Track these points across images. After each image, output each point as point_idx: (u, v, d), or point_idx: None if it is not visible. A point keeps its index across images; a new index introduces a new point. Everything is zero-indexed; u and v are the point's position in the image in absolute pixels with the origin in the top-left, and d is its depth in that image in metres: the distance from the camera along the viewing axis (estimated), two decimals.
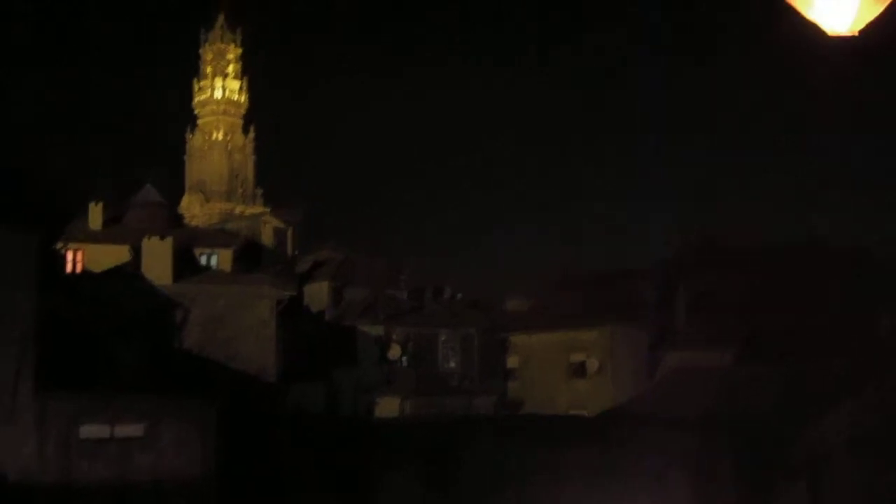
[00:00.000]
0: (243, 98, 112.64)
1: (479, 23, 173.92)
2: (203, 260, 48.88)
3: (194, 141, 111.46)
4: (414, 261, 72.01)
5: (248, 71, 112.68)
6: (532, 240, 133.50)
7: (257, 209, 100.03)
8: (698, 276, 54.48)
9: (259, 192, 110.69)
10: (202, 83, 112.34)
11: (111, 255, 46.04)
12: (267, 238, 59.88)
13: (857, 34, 11.04)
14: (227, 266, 49.24)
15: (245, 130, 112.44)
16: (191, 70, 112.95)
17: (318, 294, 55.68)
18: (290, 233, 62.42)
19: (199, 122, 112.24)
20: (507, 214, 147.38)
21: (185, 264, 45.20)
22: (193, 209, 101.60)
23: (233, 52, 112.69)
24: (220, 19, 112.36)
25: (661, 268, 57.30)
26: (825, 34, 11.07)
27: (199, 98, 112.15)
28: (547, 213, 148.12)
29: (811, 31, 11.09)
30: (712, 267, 54.64)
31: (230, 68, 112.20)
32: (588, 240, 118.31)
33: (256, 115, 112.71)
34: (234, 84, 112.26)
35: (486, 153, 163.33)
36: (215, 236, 56.03)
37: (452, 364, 55.91)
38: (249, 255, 52.92)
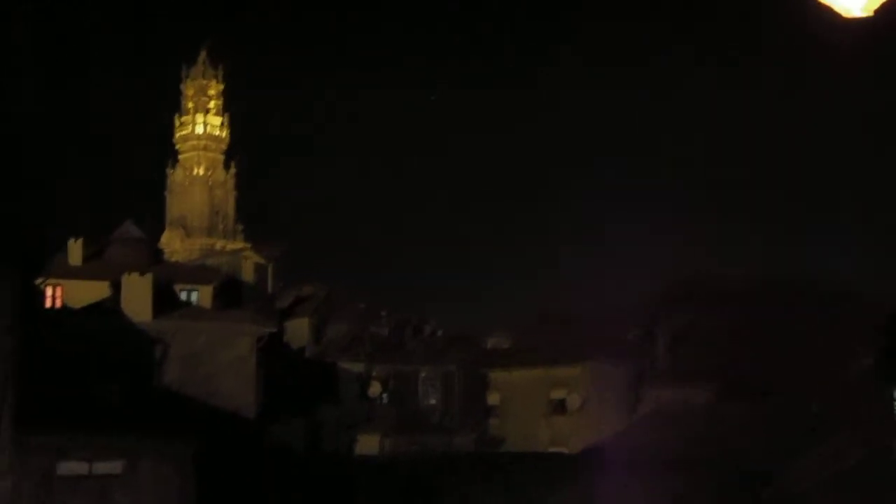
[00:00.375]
0: (225, 133, 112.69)
1: (458, 53, 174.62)
2: (183, 296, 48.69)
3: (175, 176, 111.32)
4: (395, 297, 71.96)
5: (230, 106, 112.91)
6: (513, 276, 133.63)
7: (238, 245, 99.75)
8: (678, 313, 54.66)
9: (240, 227, 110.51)
10: (183, 119, 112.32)
11: (91, 292, 45.84)
12: (248, 274, 59.69)
13: (873, 14, 10.46)
14: (207, 302, 49.07)
15: (226, 166, 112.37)
16: (172, 106, 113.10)
17: (298, 331, 55.52)
18: (270, 269, 62.25)
19: (181, 157, 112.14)
20: (488, 251, 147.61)
21: (165, 300, 45.03)
22: (174, 245, 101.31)
23: (214, 88, 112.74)
24: (203, 55, 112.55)
25: (641, 305, 57.43)
26: (839, 19, 10.40)
27: (180, 133, 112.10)
28: (528, 250, 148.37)
29: (825, 18, 10.54)
30: (692, 304, 54.84)
31: (212, 104, 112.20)
32: (569, 277, 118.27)
33: (238, 150, 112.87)
34: (216, 120, 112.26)
35: (468, 189, 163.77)
36: (196, 272, 55.86)
37: (433, 401, 55.81)
38: (230, 291, 52.75)
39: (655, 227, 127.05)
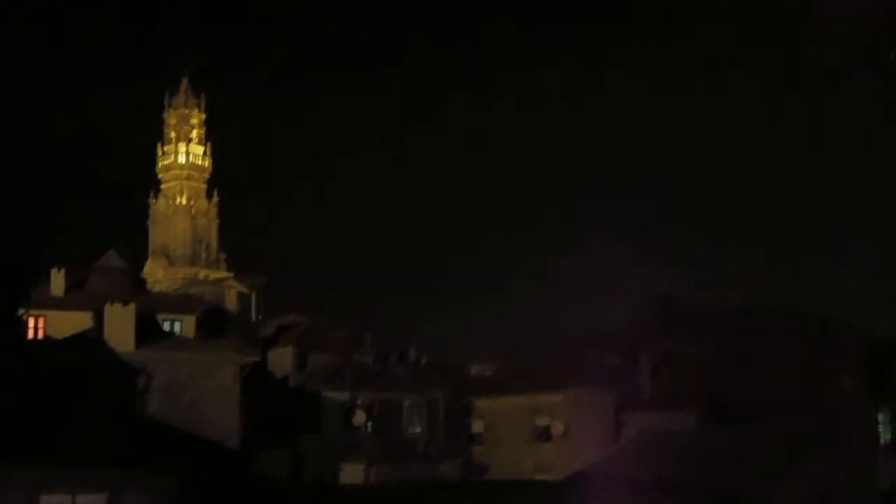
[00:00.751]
0: (207, 163, 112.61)
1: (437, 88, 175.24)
2: (166, 326, 48.53)
3: (158, 206, 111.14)
4: (379, 325, 71.95)
5: (213, 135, 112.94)
6: (496, 302, 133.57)
7: (221, 274, 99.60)
8: (662, 339, 54.76)
9: (223, 256, 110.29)
10: (166, 148, 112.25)
11: (73, 322, 45.64)
12: (231, 303, 59.71)
13: None
14: (190, 332, 48.93)
15: (209, 195, 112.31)
16: (155, 134, 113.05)
17: (282, 359, 55.44)
18: (253, 298, 62.35)
19: (163, 186, 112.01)
20: (472, 277, 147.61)
21: (148, 330, 44.90)
22: (157, 274, 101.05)
23: (197, 117, 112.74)
24: (185, 84, 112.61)
25: (625, 331, 57.48)
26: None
27: (162, 163, 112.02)
28: (510, 276, 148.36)
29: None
30: (676, 330, 54.94)
31: (194, 133, 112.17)
32: (553, 302, 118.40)
33: (220, 179, 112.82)
34: (198, 149, 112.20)
35: (451, 217, 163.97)
36: (179, 302, 55.75)
37: (417, 429, 55.71)
38: (213, 320, 52.63)
39: (638, 252, 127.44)
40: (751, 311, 55.29)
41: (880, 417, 51.37)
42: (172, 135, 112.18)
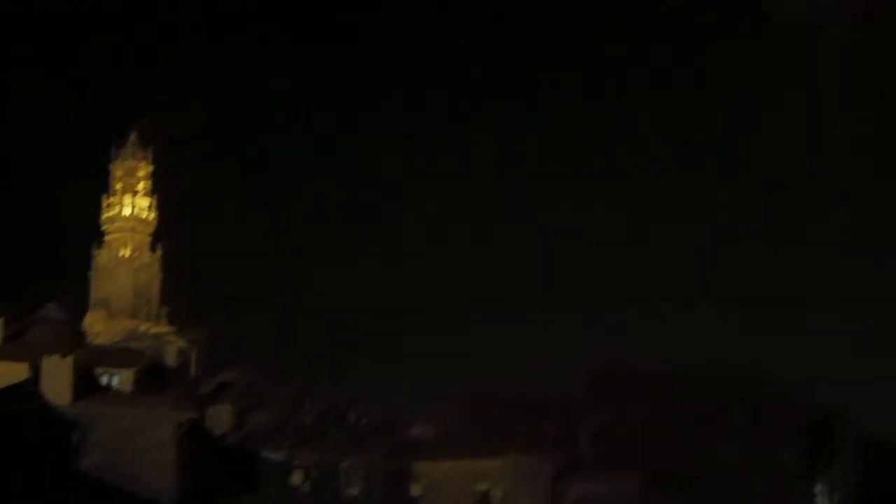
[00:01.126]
0: (152, 216, 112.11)
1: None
2: (105, 379, 48.11)
3: (101, 257, 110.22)
4: (319, 383, 71.51)
5: (159, 188, 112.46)
6: (439, 365, 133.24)
7: (162, 328, 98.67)
8: (603, 403, 54.90)
9: (164, 310, 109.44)
10: (111, 200, 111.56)
11: (10, 373, 45.05)
12: (171, 358, 59.19)
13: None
14: (128, 386, 48.53)
15: (153, 248, 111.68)
16: (100, 186, 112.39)
17: (220, 417, 54.87)
18: (194, 353, 61.81)
19: (107, 238, 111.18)
20: (415, 339, 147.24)
21: (86, 384, 44.48)
22: (97, 327, 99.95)
23: (143, 170, 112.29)
24: (133, 137, 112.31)
25: (568, 395, 57.55)
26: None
27: (107, 214, 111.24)
28: (453, 338, 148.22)
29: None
30: (619, 395, 55.07)
31: (140, 185, 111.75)
32: (496, 365, 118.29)
33: (165, 232, 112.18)
34: (144, 201, 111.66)
35: (394, 274, 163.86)
36: (118, 355, 55.23)
37: (355, 491, 55.33)
38: (152, 375, 52.22)
39: (582, 315, 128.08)
40: (694, 377, 55.58)
41: (818, 488, 51.74)
42: (119, 186, 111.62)
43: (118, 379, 48.64)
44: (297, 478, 52.65)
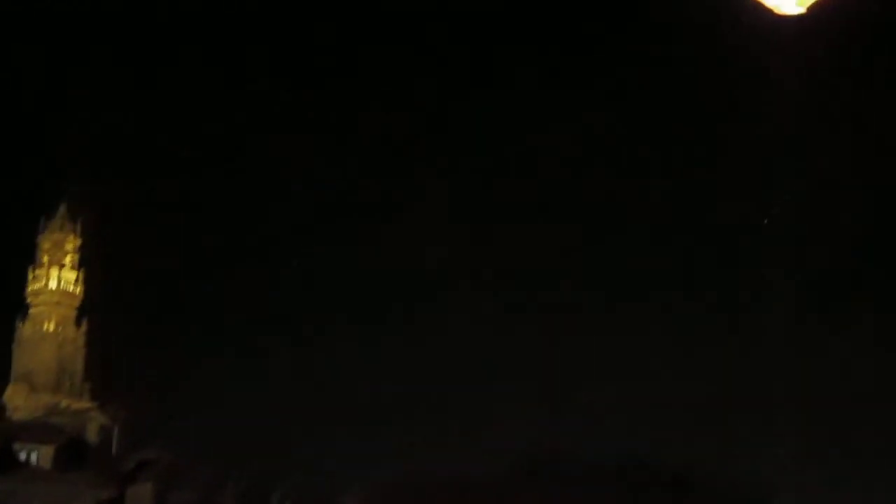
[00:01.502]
0: (79, 290, 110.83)
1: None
2: (23, 456, 47.32)
3: (24, 330, 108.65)
4: (247, 460, 70.80)
5: (87, 262, 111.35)
6: (369, 446, 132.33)
7: (84, 404, 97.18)
8: (525, 492, 54.97)
9: (87, 386, 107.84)
10: (37, 272, 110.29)
11: None
12: (92, 435, 58.38)
13: (805, 12, 9.98)
14: (47, 463, 47.77)
15: (78, 322, 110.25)
16: (26, 257, 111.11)
17: (141, 496, 54.03)
18: (116, 430, 61.02)
19: (31, 311, 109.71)
20: (344, 418, 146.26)
21: (3, 460, 43.73)
22: (17, 401, 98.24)
23: (71, 243, 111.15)
24: (62, 209, 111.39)
25: (489, 481, 57.56)
26: (772, 17, 9.85)
27: (32, 287, 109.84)
28: (385, 418, 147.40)
29: (757, 20, 9.97)
30: (540, 482, 55.21)
31: (67, 259, 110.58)
32: (426, 447, 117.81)
33: (91, 307, 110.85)
34: (71, 275, 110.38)
35: (324, 352, 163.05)
36: (38, 431, 54.39)
37: None
38: (73, 452, 51.41)
39: (509, 399, 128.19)
40: (615, 465, 55.90)
41: None
42: (45, 259, 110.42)
43: (37, 455, 47.84)
44: None
